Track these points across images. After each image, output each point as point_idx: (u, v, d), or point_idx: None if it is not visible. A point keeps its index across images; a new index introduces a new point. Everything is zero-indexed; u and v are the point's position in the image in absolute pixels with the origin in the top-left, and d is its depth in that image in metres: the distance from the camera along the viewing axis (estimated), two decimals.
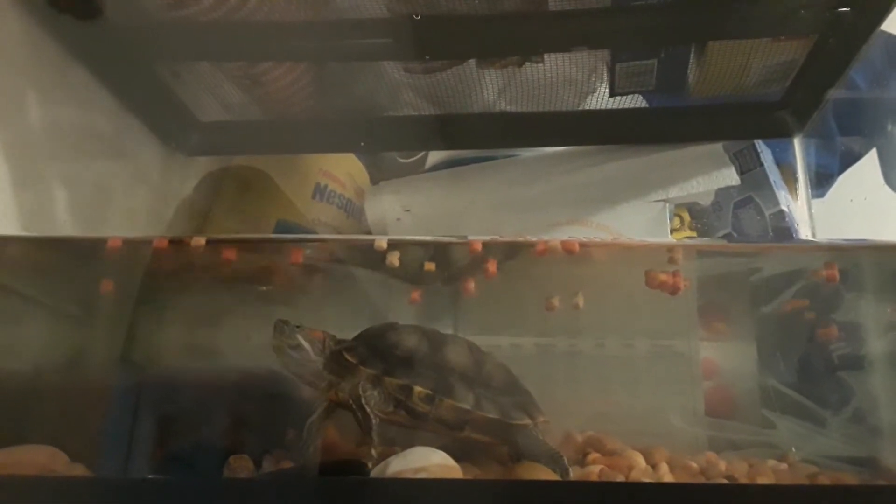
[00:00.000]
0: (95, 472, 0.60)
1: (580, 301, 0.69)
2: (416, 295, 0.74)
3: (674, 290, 0.70)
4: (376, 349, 0.67)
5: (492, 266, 0.68)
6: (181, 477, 0.56)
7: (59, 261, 0.74)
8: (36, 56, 0.75)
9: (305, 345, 0.65)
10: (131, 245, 0.68)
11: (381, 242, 0.66)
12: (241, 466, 0.58)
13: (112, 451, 0.62)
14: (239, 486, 0.53)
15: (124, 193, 0.88)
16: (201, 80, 0.89)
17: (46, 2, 0.74)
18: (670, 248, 0.70)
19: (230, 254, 0.64)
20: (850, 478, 0.67)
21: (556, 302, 0.70)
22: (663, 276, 0.69)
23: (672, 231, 0.97)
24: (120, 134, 0.88)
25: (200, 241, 0.63)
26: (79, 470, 0.59)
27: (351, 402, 0.64)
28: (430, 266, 0.71)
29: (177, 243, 0.65)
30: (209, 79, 0.88)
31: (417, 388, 0.65)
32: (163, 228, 0.92)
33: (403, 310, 0.79)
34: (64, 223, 0.77)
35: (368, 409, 0.63)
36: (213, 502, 0.47)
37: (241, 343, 0.78)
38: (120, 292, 0.73)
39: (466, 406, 0.66)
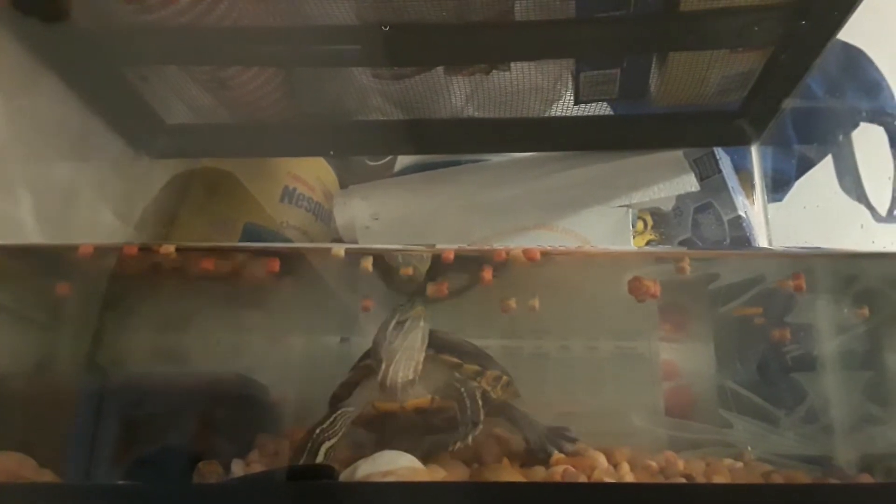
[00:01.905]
0: (64, 478, 0.60)
1: (536, 303, 0.71)
2: (368, 303, 0.74)
3: (652, 297, 0.72)
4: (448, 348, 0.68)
5: (488, 273, 0.69)
6: (150, 482, 0.56)
7: (26, 266, 0.73)
8: (0, 59, 0.75)
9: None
10: (100, 251, 0.68)
11: (339, 251, 0.67)
12: (210, 472, 0.58)
13: (80, 457, 0.62)
14: (208, 492, 0.53)
15: (90, 196, 0.87)
16: (169, 83, 0.88)
17: (12, 4, 0.73)
18: (678, 258, 0.71)
19: (207, 263, 0.64)
20: (803, 476, 0.69)
21: (512, 303, 0.72)
22: (648, 283, 0.70)
23: (636, 234, 0.99)
24: (86, 137, 0.87)
25: (170, 248, 0.63)
26: (47, 476, 0.59)
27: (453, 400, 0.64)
28: (406, 271, 0.71)
29: (146, 250, 0.65)
30: (176, 82, 0.88)
31: (504, 377, 0.68)
32: (129, 231, 0.92)
33: (374, 314, 0.80)
34: (29, 227, 0.77)
35: (469, 401, 0.63)
36: None
37: (211, 347, 0.78)
38: (86, 297, 0.73)
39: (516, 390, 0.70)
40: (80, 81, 0.83)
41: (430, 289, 0.69)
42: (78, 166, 0.87)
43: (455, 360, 0.66)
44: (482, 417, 0.63)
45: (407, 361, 0.64)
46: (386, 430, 0.69)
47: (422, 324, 0.63)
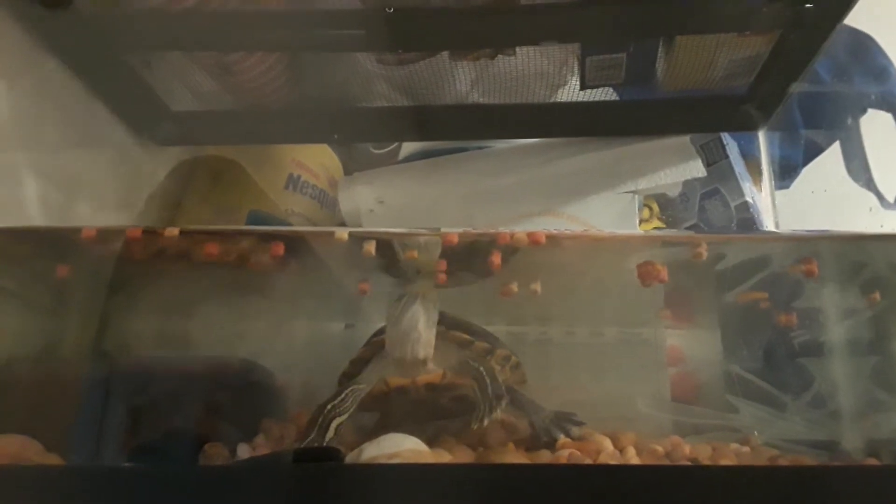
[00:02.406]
0: (70, 462, 0.60)
1: (538, 287, 0.70)
2: (365, 286, 0.74)
3: (661, 281, 0.71)
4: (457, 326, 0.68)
5: (497, 258, 0.69)
6: (156, 464, 0.57)
7: (31, 251, 0.73)
8: (3, 45, 0.74)
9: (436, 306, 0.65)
10: (103, 234, 0.68)
11: (342, 234, 0.66)
12: (216, 454, 0.59)
13: (86, 441, 0.62)
14: (214, 474, 0.53)
15: (94, 184, 0.88)
16: (173, 70, 0.88)
17: None
18: (695, 243, 0.71)
19: (212, 248, 0.64)
20: (808, 460, 0.69)
21: (514, 287, 0.71)
22: (659, 267, 0.70)
23: (642, 221, 0.98)
24: (90, 124, 0.87)
25: (174, 231, 0.63)
26: (53, 460, 0.59)
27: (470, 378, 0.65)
28: (411, 254, 0.71)
29: (150, 233, 0.65)
30: (181, 68, 0.88)
31: (514, 358, 0.69)
32: (133, 218, 0.92)
33: (380, 299, 0.80)
34: (32, 213, 0.77)
35: (489, 379, 0.64)
36: (189, 489, 0.48)
37: (215, 332, 0.78)
38: (91, 282, 0.73)
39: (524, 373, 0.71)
40: (84, 68, 0.82)
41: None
42: (81, 153, 0.87)
43: (466, 336, 0.66)
44: (504, 391, 0.63)
45: (415, 339, 0.64)
46: (396, 406, 0.69)
47: (419, 302, 0.63)
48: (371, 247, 0.66)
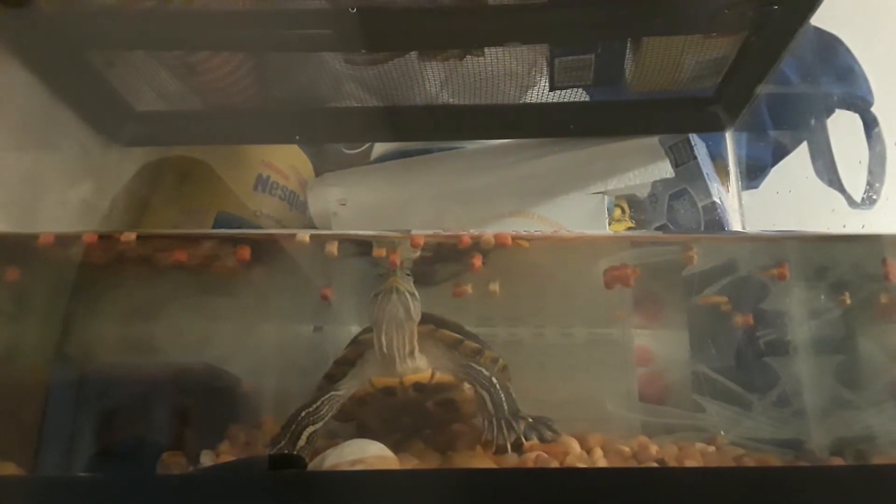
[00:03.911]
0: (27, 471, 0.59)
1: (496, 288, 0.70)
2: (328, 291, 0.73)
3: (626, 286, 0.71)
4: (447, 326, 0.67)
5: (478, 261, 0.68)
6: (112, 474, 0.55)
7: None
8: None
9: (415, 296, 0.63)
10: (64, 240, 0.66)
11: (304, 237, 0.65)
12: (174, 463, 0.58)
13: (44, 449, 0.61)
14: (172, 482, 0.52)
15: (58, 186, 0.86)
16: (137, 69, 0.87)
17: None
18: (685, 245, 0.71)
19: (180, 255, 0.63)
20: (774, 459, 0.69)
21: (468, 288, 0.71)
22: (628, 271, 0.70)
23: (614, 222, 0.98)
24: (52, 124, 0.85)
25: (130, 236, 0.62)
26: (9, 469, 0.58)
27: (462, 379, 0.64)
28: (379, 252, 0.70)
29: (107, 238, 0.64)
30: (145, 67, 0.86)
31: (501, 360, 0.68)
32: (99, 221, 0.90)
33: (348, 300, 0.79)
34: None
35: (503, 393, 0.63)
36: (146, 498, 0.47)
37: (175, 337, 0.77)
38: (51, 286, 0.72)
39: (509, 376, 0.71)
40: (45, 67, 0.81)
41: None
42: (45, 155, 0.85)
43: (455, 336, 0.66)
44: (519, 410, 0.62)
45: (398, 332, 0.62)
46: (379, 411, 0.68)
47: (395, 294, 0.62)
48: (333, 247, 0.65)
